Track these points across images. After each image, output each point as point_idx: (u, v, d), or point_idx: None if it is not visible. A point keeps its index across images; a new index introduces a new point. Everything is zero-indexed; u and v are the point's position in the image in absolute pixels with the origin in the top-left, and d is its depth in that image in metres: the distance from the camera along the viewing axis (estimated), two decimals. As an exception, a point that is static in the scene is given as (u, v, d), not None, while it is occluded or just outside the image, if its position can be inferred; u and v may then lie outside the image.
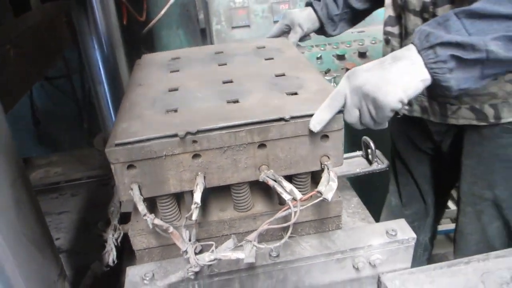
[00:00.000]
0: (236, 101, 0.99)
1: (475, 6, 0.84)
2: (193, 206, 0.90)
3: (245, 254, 0.88)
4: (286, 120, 0.89)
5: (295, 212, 0.88)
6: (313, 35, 2.17)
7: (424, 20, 1.26)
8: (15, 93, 0.96)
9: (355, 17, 1.56)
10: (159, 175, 0.93)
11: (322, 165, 0.98)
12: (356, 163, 1.44)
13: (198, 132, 0.88)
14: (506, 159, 1.36)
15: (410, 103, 1.47)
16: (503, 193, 1.40)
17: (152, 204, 1.02)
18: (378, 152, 1.40)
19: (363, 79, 0.87)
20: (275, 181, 0.94)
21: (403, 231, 1.06)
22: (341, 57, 2.17)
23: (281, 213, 0.90)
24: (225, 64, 1.23)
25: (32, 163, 1.76)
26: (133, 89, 1.11)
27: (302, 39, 1.55)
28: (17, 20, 0.94)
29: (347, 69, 2.04)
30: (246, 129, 0.90)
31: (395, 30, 1.42)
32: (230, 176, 0.96)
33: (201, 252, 0.94)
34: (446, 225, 2.67)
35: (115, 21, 1.58)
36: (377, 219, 1.52)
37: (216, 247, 0.91)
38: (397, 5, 1.37)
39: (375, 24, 2.09)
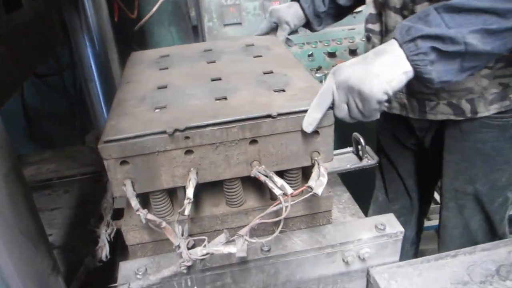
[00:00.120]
0: (224, 98, 1.00)
1: (454, 1, 0.86)
2: (185, 202, 0.91)
3: (237, 249, 0.90)
4: (273, 117, 0.91)
5: (286, 206, 0.90)
6: (304, 32, 2.20)
7: (404, 17, 1.28)
8: (7, 90, 0.96)
9: (340, 13, 1.58)
10: (152, 171, 0.94)
11: (313, 161, 1.00)
12: (346, 159, 1.46)
13: (186, 129, 0.89)
14: (485, 154, 1.39)
15: (389, 101, 1.50)
16: (483, 187, 1.44)
17: (145, 199, 1.03)
18: (368, 148, 1.42)
19: (347, 74, 0.90)
20: (266, 176, 0.95)
21: (391, 225, 1.09)
22: (332, 55, 2.19)
23: (272, 208, 0.92)
24: (214, 62, 1.24)
25: (24, 160, 1.75)
26: (123, 86, 1.12)
27: (289, 34, 1.57)
28: (8, 17, 0.94)
29: (338, 67, 2.06)
30: (237, 125, 0.92)
31: (376, 27, 1.44)
32: (222, 172, 0.98)
33: (193, 247, 0.95)
34: (435, 221, 2.71)
35: (106, 18, 1.58)
36: (366, 215, 1.55)
37: (208, 242, 0.92)
38: (378, 3, 1.40)
39: (366, 22, 2.11)
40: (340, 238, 1.06)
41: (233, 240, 0.92)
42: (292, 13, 1.48)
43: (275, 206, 0.91)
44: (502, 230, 1.51)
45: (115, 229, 1.09)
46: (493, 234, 1.50)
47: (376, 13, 1.41)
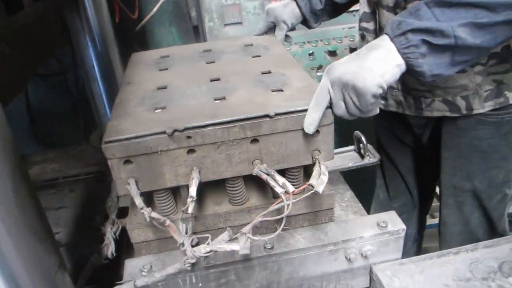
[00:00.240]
0: (223, 98, 1.01)
1: None
2: (189, 200, 0.93)
3: (240, 246, 0.91)
4: (271, 117, 0.92)
5: (288, 204, 0.90)
6: (304, 31, 2.21)
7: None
8: (11, 91, 0.98)
9: (336, 10, 1.59)
10: (155, 170, 0.95)
11: (314, 159, 1.00)
12: (348, 158, 1.47)
13: (186, 129, 0.90)
14: (482, 151, 1.40)
15: (385, 98, 1.51)
16: (481, 184, 1.45)
17: (149, 198, 1.04)
18: (369, 146, 1.42)
19: (341, 71, 0.91)
20: (268, 175, 0.96)
21: (393, 223, 1.09)
22: (332, 53, 2.20)
23: (274, 206, 0.93)
24: (213, 62, 1.25)
25: (28, 160, 1.76)
26: (124, 87, 1.13)
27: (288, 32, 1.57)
28: (10, 19, 0.95)
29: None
30: (238, 124, 0.93)
31: (370, 26, 1.45)
32: (224, 171, 0.99)
33: (197, 244, 0.96)
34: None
35: (107, 19, 1.59)
36: (368, 213, 1.56)
37: (211, 240, 0.94)
38: (371, 2, 1.41)
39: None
40: (342, 235, 1.07)
41: (236, 238, 0.93)
42: (289, 12, 1.49)
43: (277, 204, 0.92)
44: (502, 226, 1.51)
45: (120, 227, 1.10)
46: (493, 231, 1.51)
47: (370, 12, 1.42)
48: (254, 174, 0.98)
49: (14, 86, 0.99)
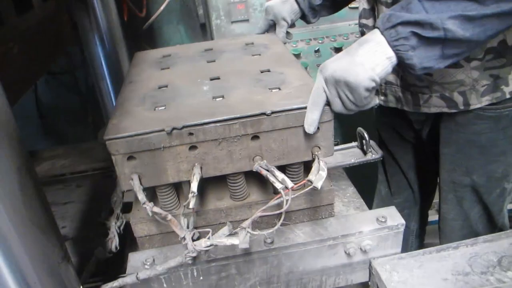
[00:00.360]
0: (222, 97, 1.03)
1: None
2: (190, 195, 0.95)
3: (240, 240, 0.93)
4: (267, 115, 0.94)
5: (287, 200, 0.92)
6: (311, 28, 2.21)
7: None
8: (19, 89, 1.01)
9: (335, 5, 1.59)
10: (158, 165, 0.98)
11: (313, 155, 1.02)
12: (351, 154, 1.48)
13: (184, 127, 0.92)
14: (480, 145, 1.40)
15: (385, 94, 1.52)
16: (480, 179, 1.45)
17: (153, 193, 1.07)
18: (372, 142, 1.43)
19: (333, 68, 0.92)
20: (267, 171, 0.98)
21: (392, 218, 1.11)
22: (338, 50, 2.20)
23: (273, 201, 0.95)
24: (214, 61, 1.27)
25: (38, 156, 1.81)
26: (126, 86, 1.16)
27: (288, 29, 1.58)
28: (19, 18, 0.98)
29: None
30: (239, 121, 0.95)
31: (369, 22, 1.46)
32: (225, 167, 1.01)
33: (198, 239, 0.99)
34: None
35: (115, 18, 1.62)
36: (370, 208, 1.56)
37: (212, 234, 0.96)
38: None
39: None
40: (342, 230, 1.08)
41: (236, 233, 0.95)
42: (288, 8, 1.49)
43: (276, 199, 0.95)
44: (501, 221, 1.51)
45: (124, 222, 1.14)
46: (492, 225, 1.51)
47: (369, 8, 1.43)
48: (254, 170, 1.00)
49: (22, 84, 1.02)
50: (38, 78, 1.08)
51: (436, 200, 1.96)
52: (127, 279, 0.97)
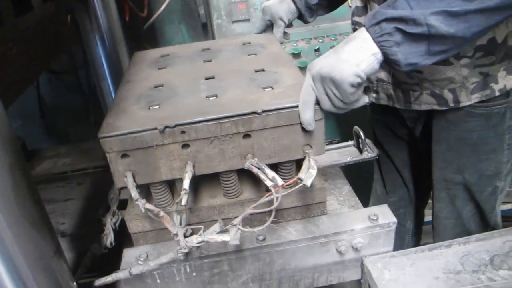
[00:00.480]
0: (215, 96, 1.05)
1: None
2: (182, 192, 0.97)
3: (230, 237, 0.94)
4: (258, 114, 0.95)
5: (277, 197, 0.94)
6: (311, 27, 2.22)
7: None
8: (18, 88, 1.03)
9: (332, 4, 1.60)
10: (151, 163, 1.00)
11: (304, 154, 1.03)
12: (347, 153, 1.49)
13: (176, 126, 0.94)
14: (471, 143, 1.40)
15: (377, 91, 1.52)
16: (472, 177, 1.45)
17: (148, 190, 1.09)
18: (368, 141, 1.44)
19: (319, 65, 0.94)
20: (258, 169, 1.00)
21: (384, 216, 1.11)
22: (339, 49, 2.20)
23: (264, 199, 0.96)
24: (210, 61, 1.29)
25: (41, 155, 1.85)
26: (123, 85, 1.18)
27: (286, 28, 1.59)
28: (19, 19, 1.00)
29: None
30: (230, 120, 0.97)
31: (362, 20, 1.46)
32: (217, 165, 1.03)
33: (191, 235, 1.00)
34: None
35: (116, 18, 1.65)
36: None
37: (204, 231, 0.98)
38: None
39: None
40: (333, 228, 1.10)
41: (227, 229, 0.97)
42: (285, 8, 1.50)
43: (266, 197, 0.96)
44: (494, 219, 1.51)
45: (120, 218, 1.16)
46: (485, 224, 1.51)
47: (362, 6, 1.43)
48: (245, 168, 1.02)
49: (20, 84, 1.04)
50: (36, 78, 1.10)
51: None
52: (120, 274, 1.00)
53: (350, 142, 1.51)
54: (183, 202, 0.97)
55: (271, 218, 0.96)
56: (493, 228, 1.49)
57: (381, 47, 0.90)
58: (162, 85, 1.16)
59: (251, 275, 1.10)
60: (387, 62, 0.93)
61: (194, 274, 1.07)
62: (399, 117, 1.59)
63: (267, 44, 1.39)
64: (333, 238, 1.09)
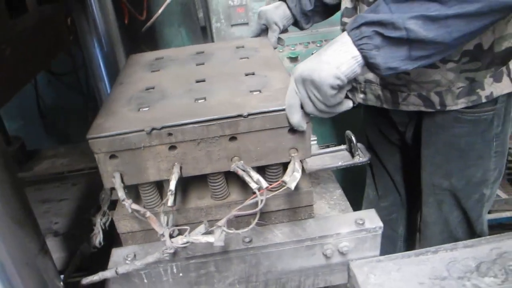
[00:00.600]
0: (204, 99, 1.06)
1: None
2: (168, 193, 0.99)
3: (215, 238, 0.96)
4: (244, 117, 0.96)
5: (262, 200, 0.95)
6: (310, 31, 2.23)
7: None
8: (11, 89, 1.06)
9: (328, 11, 1.60)
10: (139, 164, 1.01)
11: (290, 157, 1.04)
12: (339, 156, 1.50)
13: (163, 127, 0.96)
14: (459, 149, 1.41)
15: (364, 92, 1.53)
16: (459, 183, 1.45)
17: (137, 191, 1.11)
18: (360, 145, 1.45)
19: (301, 68, 0.95)
20: (244, 171, 1.01)
21: (371, 220, 1.12)
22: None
23: (249, 201, 0.97)
24: (203, 64, 1.30)
25: (40, 155, 1.87)
26: (115, 87, 1.20)
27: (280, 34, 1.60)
28: (13, 21, 1.03)
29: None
30: (217, 123, 0.98)
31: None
32: (204, 167, 1.04)
33: (178, 236, 1.02)
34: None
35: (113, 20, 1.67)
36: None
37: (190, 232, 0.99)
38: None
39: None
40: (320, 232, 1.10)
41: (213, 231, 0.98)
42: (280, 14, 1.52)
43: (251, 199, 0.97)
44: (480, 227, 1.51)
45: (110, 219, 1.17)
46: (471, 231, 1.51)
47: (352, 7, 1.44)
48: (231, 170, 1.03)
49: (13, 85, 1.07)
50: (30, 80, 1.13)
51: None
52: (107, 273, 1.01)
53: (343, 146, 1.53)
54: (169, 203, 0.99)
55: (256, 220, 0.97)
56: (479, 236, 1.49)
57: (360, 50, 0.91)
58: (153, 88, 1.17)
59: (238, 277, 1.11)
60: (368, 66, 0.94)
61: (180, 274, 1.08)
62: (390, 121, 1.60)
63: (260, 48, 1.41)
64: (319, 241, 1.09)
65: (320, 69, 0.91)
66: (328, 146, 1.53)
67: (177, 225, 1.08)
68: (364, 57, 0.91)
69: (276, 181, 1.10)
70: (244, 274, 1.11)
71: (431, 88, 1.34)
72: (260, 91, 1.07)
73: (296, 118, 0.98)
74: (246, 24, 2.25)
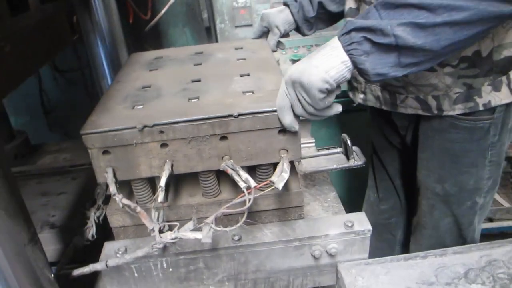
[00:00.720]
0: (197, 98, 1.08)
1: None
2: (159, 189, 1.01)
3: (203, 235, 0.97)
4: (234, 117, 0.98)
5: (250, 199, 0.97)
6: (314, 34, 2.24)
7: None
8: (8, 85, 1.09)
9: (331, 18, 1.61)
10: (131, 160, 1.03)
11: (279, 158, 1.06)
12: (335, 159, 1.51)
13: (155, 125, 0.98)
14: (453, 154, 1.40)
15: (364, 92, 1.53)
16: (451, 189, 1.45)
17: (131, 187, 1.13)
18: (357, 149, 1.46)
19: (291, 71, 0.96)
20: (233, 170, 1.02)
21: (360, 223, 1.12)
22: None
23: (237, 200, 0.99)
24: (200, 64, 1.32)
25: (43, 149, 1.91)
26: (113, 85, 1.23)
27: (281, 38, 1.61)
28: (14, 19, 1.06)
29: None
30: (207, 122, 1.00)
31: None
32: (195, 165, 1.06)
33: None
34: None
35: (117, 19, 1.70)
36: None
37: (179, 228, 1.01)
38: None
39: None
40: (308, 232, 1.11)
41: (201, 227, 1.00)
42: (283, 18, 1.53)
43: (239, 198, 0.99)
44: (471, 235, 1.50)
45: (104, 213, 1.20)
46: (462, 239, 1.50)
47: (355, 8, 1.45)
48: (221, 169, 1.05)
49: (11, 80, 1.09)
50: (29, 76, 1.15)
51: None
52: (97, 266, 1.04)
53: (339, 149, 1.53)
54: (160, 199, 1.01)
55: (243, 218, 0.98)
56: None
57: (350, 55, 0.92)
58: (149, 86, 1.20)
59: (227, 274, 1.13)
60: (357, 71, 0.95)
61: (170, 269, 1.10)
62: (392, 124, 1.60)
63: (259, 50, 1.42)
64: (308, 242, 1.10)
65: (309, 72, 0.92)
66: (329, 149, 1.54)
67: (168, 221, 1.10)
68: (353, 62, 0.92)
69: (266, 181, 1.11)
70: (233, 271, 1.13)
71: (429, 91, 1.35)
72: (252, 92, 1.09)
73: (288, 120, 0.99)
74: (250, 25, 2.27)
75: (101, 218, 1.19)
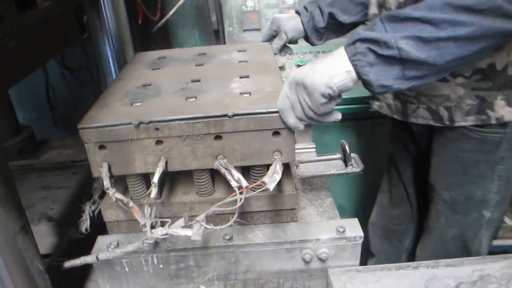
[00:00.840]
0: (194, 98, 1.09)
1: (398, 11, 0.92)
2: (152, 186, 1.02)
3: (193, 232, 0.98)
4: (229, 117, 0.99)
5: (241, 198, 0.97)
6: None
7: None
8: (11, 79, 1.11)
9: (342, 29, 1.61)
10: (126, 156, 1.05)
11: (273, 159, 1.06)
12: (333, 165, 1.51)
13: (150, 122, 0.99)
14: (463, 163, 1.39)
15: (379, 100, 1.52)
16: (459, 197, 1.44)
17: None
18: (355, 155, 1.45)
19: (295, 73, 0.97)
20: (226, 169, 1.03)
21: (352, 229, 1.12)
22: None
23: (228, 199, 1.00)
24: (202, 65, 1.34)
25: (48, 144, 1.94)
26: (115, 82, 1.25)
27: (288, 44, 1.62)
28: (20, 16, 1.08)
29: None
30: (202, 121, 1.01)
31: None
32: (190, 163, 1.07)
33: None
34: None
35: (125, 20, 1.74)
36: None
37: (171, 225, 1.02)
38: (378, 3, 1.43)
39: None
40: (300, 236, 1.11)
41: (192, 225, 1.00)
42: (293, 25, 1.54)
43: (230, 197, 0.99)
44: (476, 248, 1.48)
45: (99, 207, 1.21)
46: (467, 251, 1.48)
47: (378, 14, 1.45)
48: (214, 167, 1.05)
49: (13, 76, 1.12)
50: (31, 72, 1.18)
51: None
52: (88, 258, 1.05)
53: (338, 155, 1.53)
54: (152, 194, 1.02)
55: (234, 218, 0.99)
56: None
57: (354, 66, 0.93)
58: (150, 84, 1.21)
59: (217, 273, 1.13)
60: (362, 82, 0.95)
61: (161, 266, 1.11)
62: (410, 131, 1.60)
63: (261, 53, 1.43)
64: (298, 245, 1.10)
65: (313, 76, 0.93)
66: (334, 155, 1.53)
67: (161, 218, 1.11)
68: (358, 73, 0.93)
69: (259, 182, 1.12)
70: (223, 271, 1.13)
71: (441, 102, 1.34)
72: (250, 93, 1.10)
73: (291, 120, 1.00)
74: (258, 29, 2.29)
75: (96, 212, 1.21)
